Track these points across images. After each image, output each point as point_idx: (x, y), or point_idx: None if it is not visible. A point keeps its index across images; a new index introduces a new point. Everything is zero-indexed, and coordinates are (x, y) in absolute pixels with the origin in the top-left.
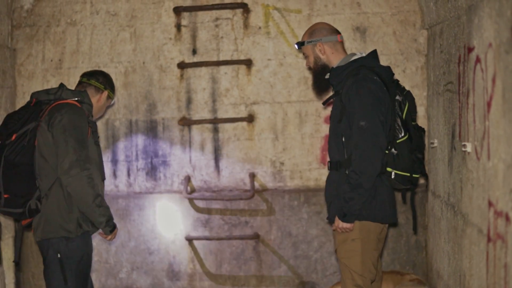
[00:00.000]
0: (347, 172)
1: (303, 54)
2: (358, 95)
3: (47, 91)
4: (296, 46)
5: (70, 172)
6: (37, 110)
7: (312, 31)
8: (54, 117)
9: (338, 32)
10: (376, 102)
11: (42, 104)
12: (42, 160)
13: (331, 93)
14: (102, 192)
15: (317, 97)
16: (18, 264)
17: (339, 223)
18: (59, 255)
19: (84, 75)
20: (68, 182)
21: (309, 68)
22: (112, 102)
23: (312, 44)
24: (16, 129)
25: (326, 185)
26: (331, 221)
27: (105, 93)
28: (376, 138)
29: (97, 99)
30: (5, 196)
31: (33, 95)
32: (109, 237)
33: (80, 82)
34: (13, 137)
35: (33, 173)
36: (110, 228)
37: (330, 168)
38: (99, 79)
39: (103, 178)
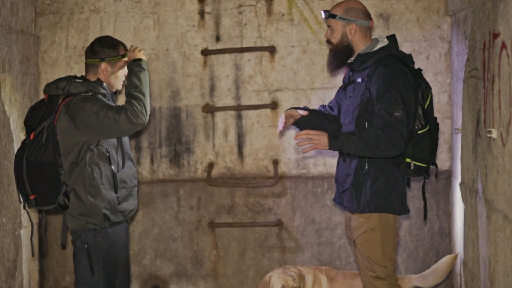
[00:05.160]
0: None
1: (328, 25)
2: (394, 85)
3: (56, 85)
4: (323, 13)
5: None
6: (51, 106)
7: (348, 8)
8: (74, 112)
9: (371, 18)
10: (408, 94)
11: (54, 98)
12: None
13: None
14: (129, 181)
15: (330, 74)
16: (64, 246)
17: (312, 134)
18: (86, 246)
19: (85, 53)
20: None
21: (328, 41)
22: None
23: (346, 22)
24: (34, 127)
25: (338, 169)
26: (344, 207)
27: (103, 65)
28: (404, 130)
29: (104, 76)
30: (33, 196)
31: (45, 89)
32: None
33: (85, 65)
34: (32, 136)
35: (57, 170)
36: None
37: (344, 154)
38: (93, 52)
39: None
